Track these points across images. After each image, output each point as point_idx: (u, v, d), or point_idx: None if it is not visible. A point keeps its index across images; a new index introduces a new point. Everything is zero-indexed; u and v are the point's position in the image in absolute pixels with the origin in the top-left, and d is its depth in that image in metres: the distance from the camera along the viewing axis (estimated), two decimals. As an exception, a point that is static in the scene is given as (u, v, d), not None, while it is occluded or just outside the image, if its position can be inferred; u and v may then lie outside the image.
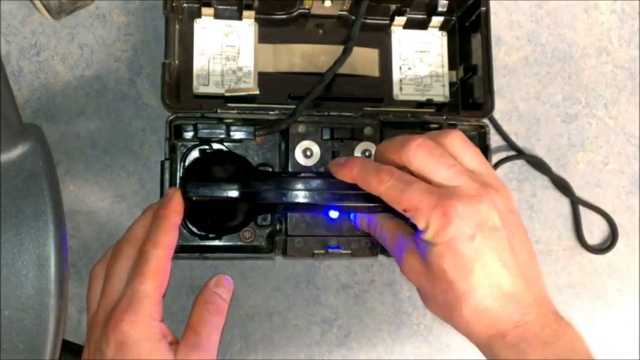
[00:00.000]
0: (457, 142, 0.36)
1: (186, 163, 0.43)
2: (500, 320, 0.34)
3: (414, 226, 0.36)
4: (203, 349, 0.33)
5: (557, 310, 0.35)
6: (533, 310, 0.34)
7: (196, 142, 0.44)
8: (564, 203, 0.54)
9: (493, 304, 0.33)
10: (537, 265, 0.36)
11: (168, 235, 0.35)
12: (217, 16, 0.47)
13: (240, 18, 0.47)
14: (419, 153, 0.35)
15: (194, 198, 0.39)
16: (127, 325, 0.32)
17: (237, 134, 0.43)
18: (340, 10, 0.48)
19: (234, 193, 0.39)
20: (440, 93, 0.49)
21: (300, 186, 0.39)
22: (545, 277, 0.50)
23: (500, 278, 0.33)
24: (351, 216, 0.42)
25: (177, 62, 0.45)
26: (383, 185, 0.35)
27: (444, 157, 0.35)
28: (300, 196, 0.39)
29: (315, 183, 0.39)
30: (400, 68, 0.49)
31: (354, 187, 0.39)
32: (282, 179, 0.40)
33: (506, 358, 0.34)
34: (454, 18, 0.50)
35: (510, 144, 0.53)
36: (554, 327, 0.34)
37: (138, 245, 0.35)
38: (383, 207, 0.41)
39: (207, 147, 0.44)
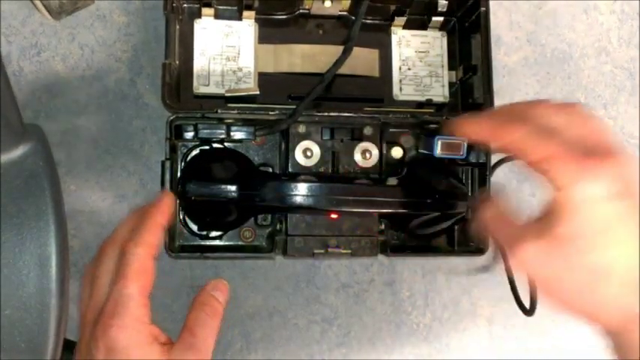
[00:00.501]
0: (582, 112, 0.32)
1: (187, 160, 0.44)
2: (630, 302, 0.29)
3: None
4: (198, 350, 0.33)
5: None
6: None
7: (197, 142, 0.44)
8: (564, 203, 0.54)
9: (635, 280, 0.29)
10: None
11: (152, 235, 0.34)
12: (217, 16, 0.47)
13: (240, 18, 0.47)
14: (553, 112, 0.32)
15: (192, 197, 0.39)
16: (115, 330, 0.31)
17: (238, 134, 0.43)
18: (340, 11, 0.48)
19: (233, 195, 0.39)
20: (440, 93, 0.49)
21: (299, 190, 0.39)
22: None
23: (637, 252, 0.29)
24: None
25: (177, 62, 0.45)
26: (521, 130, 0.31)
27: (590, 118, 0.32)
28: (300, 200, 0.39)
29: (315, 187, 0.39)
30: (400, 68, 0.49)
31: (353, 191, 0.39)
32: (282, 182, 0.40)
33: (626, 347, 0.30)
34: (454, 18, 0.50)
35: (510, 144, 0.53)
36: None
37: (121, 246, 0.34)
38: (383, 212, 0.41)
39: (207, 147, 0.44)
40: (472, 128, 0.34)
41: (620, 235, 0.29)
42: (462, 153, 0.44)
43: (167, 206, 0.36)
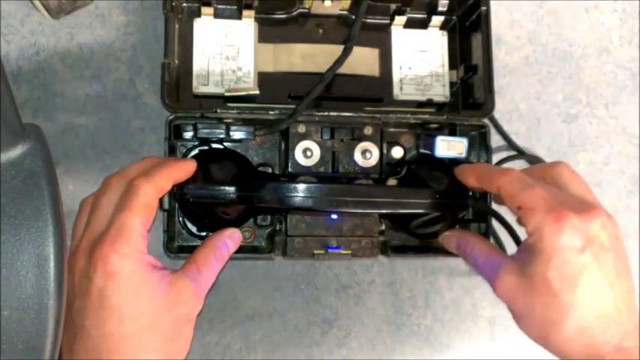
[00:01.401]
0: (565, 170, 0.37)
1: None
2: (600, 342, 0.33)
3: (517, 241, 0.38)
4: (199, 284, 0.35)
5: None
6: (633, 338, 0.33)
7: (196, 142, 0.44)
8: (565, 203, 0.54)
9: (594, 322, 0.33)
10: (636, 298, 0.35)
11: (164, 180, 0.35)
12: (217, 15, 0.47)
13: (239, 17, 0.47)
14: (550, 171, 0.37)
15: (191, 199, 0.39)
16: (117, 257, 0.32)
17: (237, 134, 0.43)
18: (340, 10, 0.48)
19: (231, 196, 0.39)
20: (440, 93, 0.49)
21: (299, 191, 0.39)
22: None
23: (603, 298, 0.33)
24: (439, 238, 0.43)
25: (176, 62, 0.45)
26: (505, 178, 0.36)
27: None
28: (299, 201, 0.39)
29: (314, 188, 0.39)
30: (400, 68, 0.49)
31: (352, 192, 0.39)
32: (281, 183, 0.40)
33: None
34: (454, 17, 0.50)
35: (511, 144, 0.53)
36: None
37: (132, 180, 0.35)
38: (383, 213, 0.41)
39: (206, 148, 0.44)
40: (470, 175, 0.40)
41: (585, 284, 0.33)
42: (462, 153, 0.43)
43: (187, 167, 0.37)
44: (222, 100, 0.44)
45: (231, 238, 0.38)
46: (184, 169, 0.37)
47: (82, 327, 0.32)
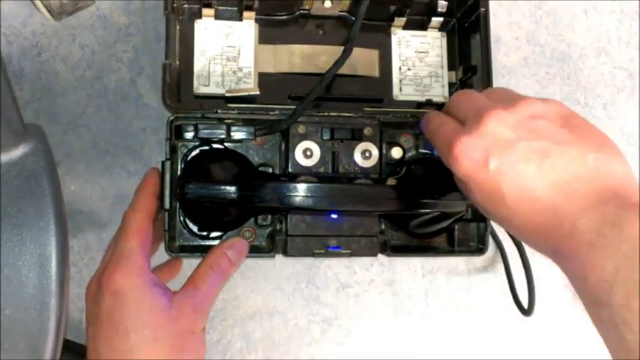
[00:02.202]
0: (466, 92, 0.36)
1: (187, 161, 0.44)
2: (553, 235, 0.31)
3: None
4: (197, 302, 0.36)
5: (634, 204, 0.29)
6: (588, 213, 0.30)
7: (197, 143, 0.44)
8: (563, 203, 0.54)
9: (539, 218, 0.31)
10: (605, 154, 0.32)
11: (146, 201, 0.39)
12: (218, 16, 0.47)
13: (240, 19, 0.47)
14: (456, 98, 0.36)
15: (192, 199, 0.39)
16: (119, 276, 0.35)
17: (238, 134, 0.43)
18: (340, 11, 0.48)
19: (232, 196, 0.39)
20: (439, 93, 0.49)
21: (298, 191, 0.39)
22: (546, 277, 0.50)
23: (534, 191, 0.31)
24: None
25: (177, 63, 0.45)
26: (428, 134, 0.36)
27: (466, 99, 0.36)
28: (299, 200, 0.39)
29: (314, 188, 0.39)
30: (400, 69, 0.49)
31: (351, 192, 0.39)
32: (281, 183, 0.40)
33: (569, 276, 0.31)
34: (454, 19, 0.50)
35: (510, 144, 0.53)
36: (610, 226, 0.28)
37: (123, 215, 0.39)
38: (382, 212, 0.41)
39: (207, 148, 0.44)
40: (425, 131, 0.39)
41: (510, 188, 0.31)
42: None
43: (153, 178, 0.41)
44: (223, 100, 0.45)
45: (231, 248, 0.39)
46: (151, 181, 0.40)
47: (94, 350, 0.35)
